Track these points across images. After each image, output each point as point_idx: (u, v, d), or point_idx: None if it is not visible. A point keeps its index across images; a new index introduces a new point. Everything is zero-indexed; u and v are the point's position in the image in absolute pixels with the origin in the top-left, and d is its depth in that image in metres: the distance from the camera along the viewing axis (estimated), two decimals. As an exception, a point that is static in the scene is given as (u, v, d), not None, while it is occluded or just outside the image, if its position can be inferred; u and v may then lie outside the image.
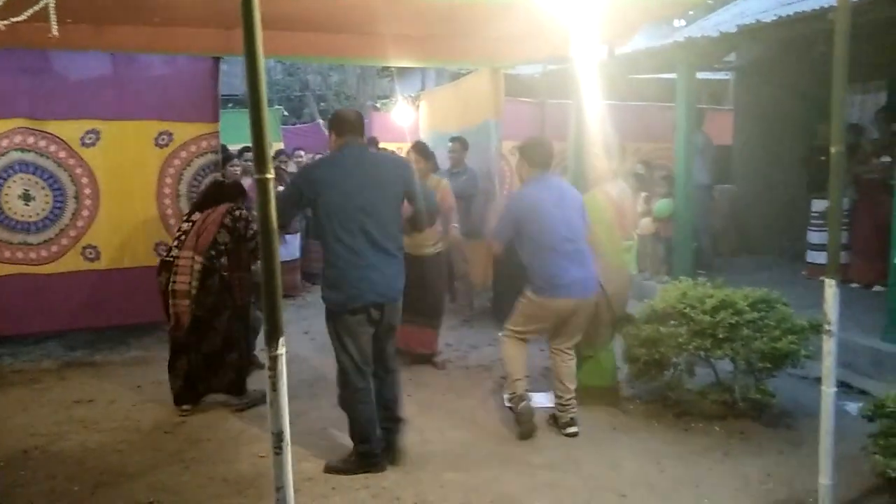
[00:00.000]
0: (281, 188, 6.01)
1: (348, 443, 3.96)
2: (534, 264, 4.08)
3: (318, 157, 9.27)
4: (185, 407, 4.46)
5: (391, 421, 3.77)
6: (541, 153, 4.20)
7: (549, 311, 4.08)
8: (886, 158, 6.19)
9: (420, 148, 5.71)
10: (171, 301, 4.35)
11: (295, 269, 7.96)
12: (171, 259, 4.43)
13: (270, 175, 1.92)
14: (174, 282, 4.34)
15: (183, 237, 4.44)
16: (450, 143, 6.95)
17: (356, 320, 3.52)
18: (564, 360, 4.24)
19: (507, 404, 4.32)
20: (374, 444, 3.63)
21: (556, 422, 4.23)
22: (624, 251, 4.56)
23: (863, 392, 4.64)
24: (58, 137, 5.53)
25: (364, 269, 3.49)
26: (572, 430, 4.13)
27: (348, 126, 3.65)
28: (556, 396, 4.24)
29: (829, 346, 2.99)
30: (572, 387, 4.21)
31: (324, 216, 3.49)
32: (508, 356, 4.25)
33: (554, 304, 4.05)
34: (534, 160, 4.19)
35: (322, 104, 20.68)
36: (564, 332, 4.20)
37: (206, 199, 4.68)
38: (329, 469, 3.63)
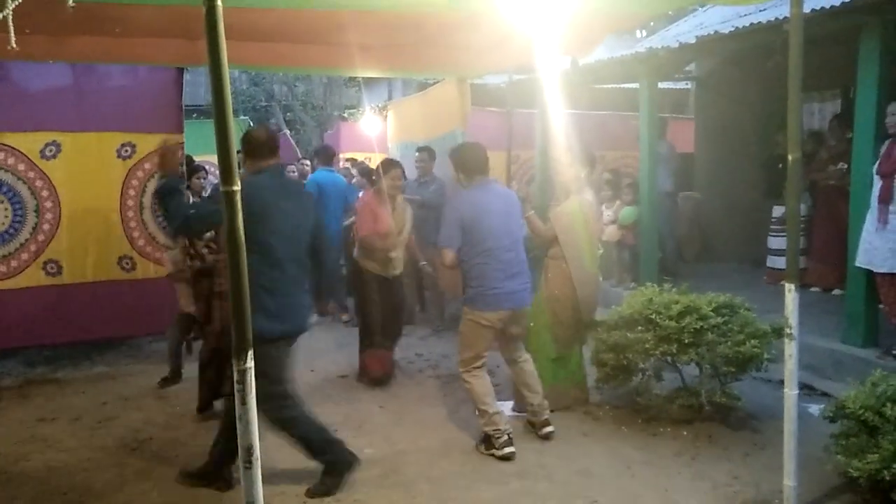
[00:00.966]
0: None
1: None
2: (471, 272, 4.03)
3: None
4: (206, 412, 4.52)
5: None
6: (476, 158, 4.17)
7: (486, 323, 4.01)
8: (843, 165, 6.36)
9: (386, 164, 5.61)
10: (219, 303, 4.33)
11: None
12: (208, 266, 4.43)
13: (237, 187, 1.92)
14: (220, 284, 4.29)
15: (213, 244, 4.46)
16: (417, 154, 6.97)
17: (285, 348, 3.51)
18: (523, 368, 4.26)
19: (493, 439, 3.98)
20: (336, 450, 3.57)
21: (533, 425, 4.26)
22: (595, 259, 4.63)
23: (825, 394, 4.75)
24: (17, 150, 5.42)
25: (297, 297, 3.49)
26: (548, 429, 4.17)
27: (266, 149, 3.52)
28: (528, 404, 4.26)
29: (790, 349, 3.06)
30: (539, 389, 4.24)
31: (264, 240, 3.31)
32: (476, 393, 4.06)
33: (489, 316, 4.00)
34: (470, 167, 4.15)
35: (288, 114, 20.55)
36: (506, 340, 4.22)
37: None
38: (312, 494, 3.50)
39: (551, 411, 4.29)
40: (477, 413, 4.09)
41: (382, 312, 5.29)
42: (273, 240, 3.33)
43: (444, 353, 6.03)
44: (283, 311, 3.37)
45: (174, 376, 5.20)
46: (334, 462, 3.56)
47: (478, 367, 4.09)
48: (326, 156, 8.25)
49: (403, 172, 5.64)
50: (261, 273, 3.19)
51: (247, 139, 3.55)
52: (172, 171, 3.69)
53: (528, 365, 4.28)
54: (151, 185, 5.78)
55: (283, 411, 3.45)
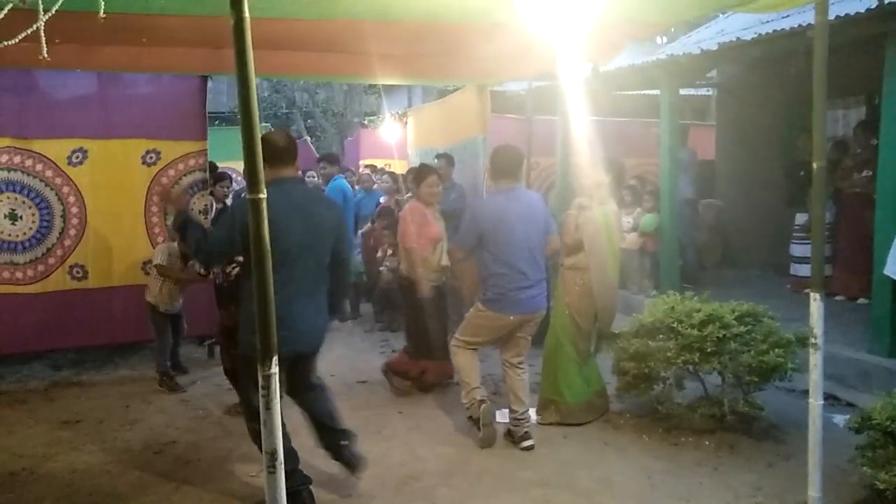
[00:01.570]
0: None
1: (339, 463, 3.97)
2: (489, 276, 4.12)
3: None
4: None
5: (333, 434, 3.59)
6: (509, 162, 4.21)
7: (496, 324, 4.16)
8: (868, 172, 6.28)
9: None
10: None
11: None
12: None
13: (263, 195, 1.94)
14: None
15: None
16: (435, 160, 6.99)
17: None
18: (517, 374, 4.29)
19: (467, 414, 4.34)
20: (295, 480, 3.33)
21: (512, 437, 4.24)
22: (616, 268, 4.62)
23: (850, 404, 4.69)
24: (44, 156, 5.52)
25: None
26: (528, 443, 4.15)
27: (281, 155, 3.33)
28: (511, 411, 4.27)
29: (815, 359, 3.03)
30: (526, 400, 4.27)
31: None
32: (461, 366, 4.29)
33: (501, 319, 4.13)
34: (501, 170, 4.21)
35: (309, 121, 20.69)
36: (512, 343, 4.27)
37: None
38: None
39: (580, 424, 4.33)
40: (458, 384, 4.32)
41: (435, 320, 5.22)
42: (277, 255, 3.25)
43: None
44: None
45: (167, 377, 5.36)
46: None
47: (471, 349, 4.28)
48: (337, 162, 8.36)
49: (439, 179, 5.61)
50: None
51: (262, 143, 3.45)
52: (182, 209, 3.93)
53: (523, 374, 4.33)
54: (175, 192, 5.86)
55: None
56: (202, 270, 5.22)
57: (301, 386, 3.54)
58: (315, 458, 4.00)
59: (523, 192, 4.32)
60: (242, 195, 3.43)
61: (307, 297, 3.34)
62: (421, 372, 5.24)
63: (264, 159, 3.38)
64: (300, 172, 4.66)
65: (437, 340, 5.15)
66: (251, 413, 3.24)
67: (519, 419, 4.22)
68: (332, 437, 3.59)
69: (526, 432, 4.20)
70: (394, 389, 5.22)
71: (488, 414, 4.15)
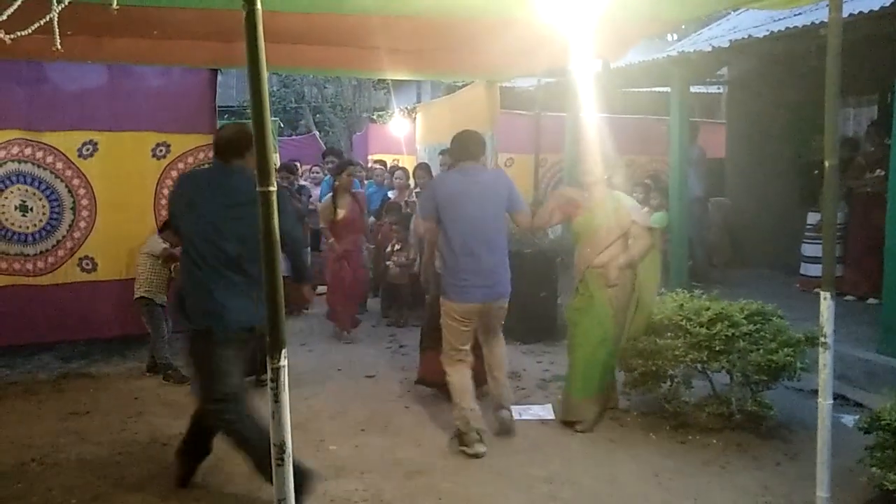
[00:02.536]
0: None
1: (346, 457, 3.98)
2: (445, 262, 4.12)
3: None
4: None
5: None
6: (468, 143, 4.18)
7: (460, 314, 4.05)
8: (880, 172, 6.24)
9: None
10: None
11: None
12: None
13: (273, 187, 1.94)
14: None
15: None
16: (440, 156, 6.98)
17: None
18: (493, 350, 4.29)
19: (461, 435, 4.02)
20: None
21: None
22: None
23: (859, 404, 4.66)
24: (55, 148, 5.55)
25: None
26: (504, 413, 4.23)
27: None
28: (490, 389, 4.32)
29: (824, 358, 3.01)
30: (503, 378, 4.30)
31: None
32: (451, 384, 4.12)
33: (461, 307, 4.03)
34: (461, 151, 4.19)
35: (318, 116, 20.74)
36: (486, 329, 4.23)
37: None
38: None
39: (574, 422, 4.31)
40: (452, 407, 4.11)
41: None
42: (193, 238, 3.31)
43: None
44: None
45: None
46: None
47: (459, 360, 4.12)
48: (342, 156, 8.43)
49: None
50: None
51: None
52: None
53: (499, 349, 4.30)
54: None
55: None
56: None
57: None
58: (322, 451, 4.02)
59: (481, 170, 4.21)
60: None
61: (230, 276, 3.29)
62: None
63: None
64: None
65: None
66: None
67: (495, 397, 4.28)
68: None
69: (501, 404, 4.27)
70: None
71: (480, 453, 3.94)
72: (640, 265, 4.36)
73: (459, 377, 4.10)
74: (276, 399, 1.98)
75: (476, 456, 3.92)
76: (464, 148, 4.18)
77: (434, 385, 4.80)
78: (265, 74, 1.92)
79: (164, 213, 5.86)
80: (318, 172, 9.09)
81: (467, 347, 4.16)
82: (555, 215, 4.56)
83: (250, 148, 3.22)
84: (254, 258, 3.09)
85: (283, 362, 1.97)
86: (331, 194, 6.57)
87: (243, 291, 3.28)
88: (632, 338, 4.40)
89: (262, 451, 2.88)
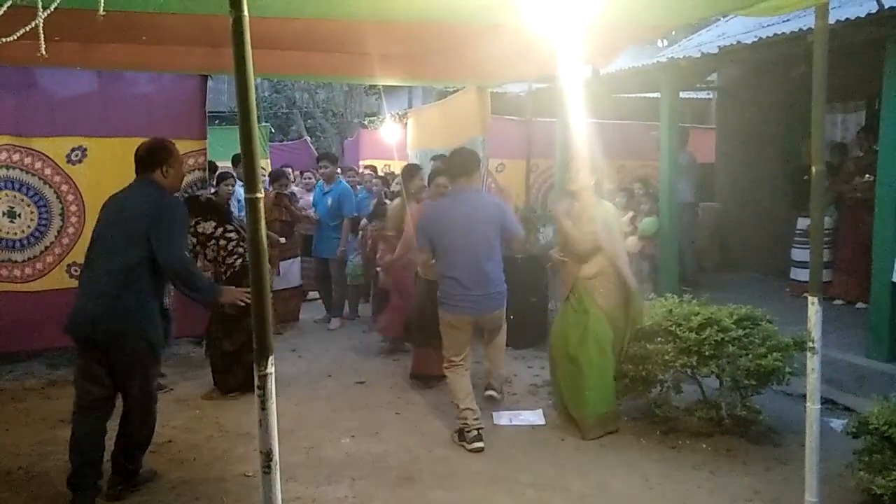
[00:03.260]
0: None
1: (336, 464, 3.97)
2: (442, 278, 4.32)
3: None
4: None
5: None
6: (464, 163, 4.35)
7: (457, 325, 4.30)
8: (869, 177, 6.28)
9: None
10: None
11: (295, 296, 7.57)
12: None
13: (261, 194, 1.94)
14: None
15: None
16: (431, 162, 6.98)
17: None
18: (493, 344, 4.58)
19: (464, 432, 4.19)
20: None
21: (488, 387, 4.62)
22: None
23: (847, 409, 4.69)
24: (43, 154, 5.52)
25: None
26: (491, 392, 4.58)
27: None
28: (488, 372, 4.65)
29: (812, 363, 3.02)
30: (499, 360, 4.66)
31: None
32: (451, 386, 4.36)
33: (455, 318, 4.28)
34: (457, 171, 4.37)
35: (309, 121, 20.73)
36: (486, 339, 4.55)
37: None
38: None
39: (602, 435, 4.31)
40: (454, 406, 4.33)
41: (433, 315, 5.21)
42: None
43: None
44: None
45: None
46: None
47: (457, 365, 4.34)
48: (336, 161, 8.45)
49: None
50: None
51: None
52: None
53: (498, 338, 4.56)
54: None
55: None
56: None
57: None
58: (311, 458, 4.01)
59: (472, 196, 4.36)
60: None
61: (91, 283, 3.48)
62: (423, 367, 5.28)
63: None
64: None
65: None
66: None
67: (493, 377, 4.61)
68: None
69: (490, 383, 4.58)
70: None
71: (478, 448, 4.11)
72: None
73: (459, 380, 4.32)
74: (264, 407, 1.97)
75: (474, 451, 4.11)
76: (463, 170, 4.35)
77: (426, 378, 5.20)
78: (252, 81, 1.91)
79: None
80: (309, 178, 9.08)
81: (465, 355, 4.37)
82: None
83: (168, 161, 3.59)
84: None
85: (270, 369, 1.96)
86: (399, 200, 6.18)
87: None
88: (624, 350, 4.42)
89: None
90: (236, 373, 5.02)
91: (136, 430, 3.54)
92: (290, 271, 7.41)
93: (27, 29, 2.09)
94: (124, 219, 3.46)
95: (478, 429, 4.16)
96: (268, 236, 6.38)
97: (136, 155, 3.58)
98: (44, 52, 2.22)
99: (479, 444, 4.12)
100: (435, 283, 5.09)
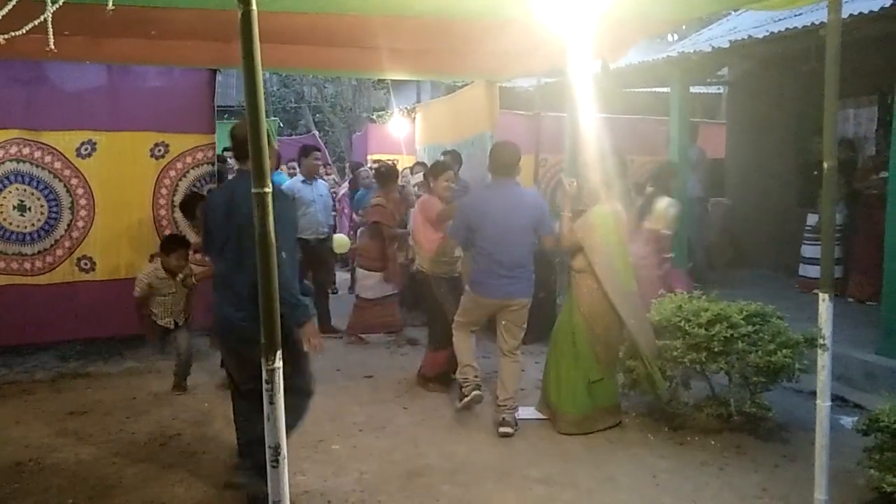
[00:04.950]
0: None
1: (344, 457, 3.98)
2: (475, 262, 4.44)
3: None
4: None
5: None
6: (506, 158, 4.41)
7: (478, 305, 4.46)
8: (884, 174, 6.23)
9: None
10: None
11: (394, 304, 6.65)
12: None
13: (269, 189, 1.93)
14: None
15: None
16: (442, 156, 6.96)
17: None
18: (508, 363, 4.47)
19: (462, 387, 4.51)
20: None
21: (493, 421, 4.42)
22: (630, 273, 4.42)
23: (858, 406, 4.66)
24: (53, 148, 5.54)
25: None
26: (505, 429, 4.28)
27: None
28: (496, 397, 4.45)
29: (823, 360, 3.00)
30: (511, 389, 4.41)
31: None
32: (455, 343, 4.59)
33: (480, 301, 4.43)
34: (498, 165, 4.42)
35: (317, 116, 20.73)
36: (503, 333, 4.46)
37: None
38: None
39: (585, 433, 4.29)
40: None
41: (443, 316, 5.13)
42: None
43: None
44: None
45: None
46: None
47: (465, 325, 4.57)
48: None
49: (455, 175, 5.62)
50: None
51: (232, 136, 3.35)
52: None
53: (514, 365, 4.48)
54: (183, 185, 5.88)
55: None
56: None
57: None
58: (320, 452, 4.02)
59: (514, 189, 4.44)
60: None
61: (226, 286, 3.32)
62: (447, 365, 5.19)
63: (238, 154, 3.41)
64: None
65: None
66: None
67: (500, 405, 4.37)
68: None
69: (504, 419, 4.31)
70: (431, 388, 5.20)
71: (475, 397, 4.41)
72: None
73: (464, 338, 4.57)
74: (272, 401, 1.97)
75: (473, 400, 4.38)
76: (504, 165, 4.41)
77: (433, 380, 5.18)
78: (261, 75, 1.91)
79: (162, 212, 5.86)
80: (293, 170, 9.12)
81: (475, 323, 4.61)
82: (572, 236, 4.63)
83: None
84: None
85: (278, 364, 1.97)
86: (380, 197, 6.33)
87: None
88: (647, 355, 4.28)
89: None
90: None
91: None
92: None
93: (35, 23, 2.10)
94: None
95: (476, 384, 4.40)
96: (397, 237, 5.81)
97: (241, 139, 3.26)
98: (52, 47, 2.23)
99: (478, 393, 4.38)
100: (451, 280, 5.19)
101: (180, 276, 5.05)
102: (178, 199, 5.86)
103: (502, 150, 4.45)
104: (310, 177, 6.78)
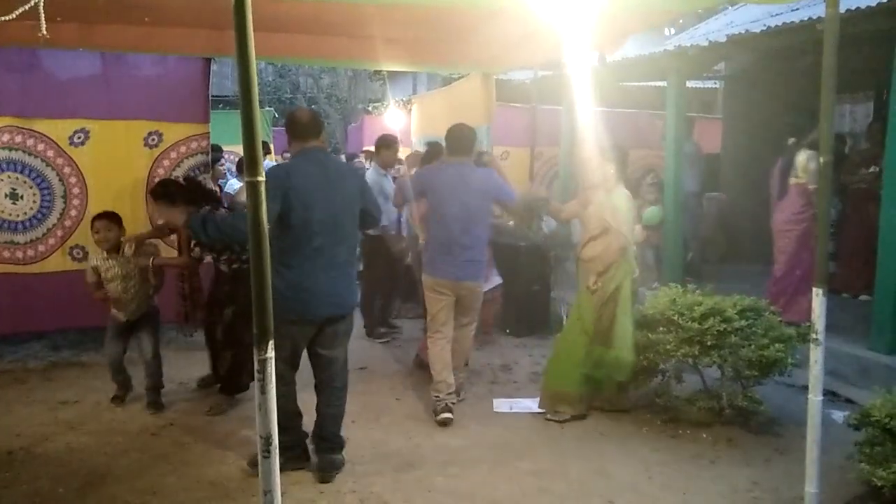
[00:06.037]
0: None
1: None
2: (428, 243, 4.55)
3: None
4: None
5: (319, 438, 3.69)
6: (461, 139, 4.53)
7: (437, 289, 4.44)
8: (875, 168, 6.25)
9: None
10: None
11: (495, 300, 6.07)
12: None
13: (262, 178, 1.92)
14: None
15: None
16: (425, 146, 6.93)
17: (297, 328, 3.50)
18: (462, 335, 4.60)
19: (434, 405, 4.41)
20: (291, 435, 3.54)
21: (435, 407, 4.43)
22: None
23: (849, 401, 4.68)
24: (46, 136, 5.49)
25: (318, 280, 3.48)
26: (445, 416, 4.33)
27: (301, 129, 3.59)
28: (441, 379, 4.45)
29: (815, 354, 3.00)
30: (459, 359, 4.59)
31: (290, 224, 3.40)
32: (431, 356, 4.51)
33: (436, 282, 4.44)
34: (453, 146, 4.54)
35: (313, 107, 20.65)
36: (461, 309, 4.54)
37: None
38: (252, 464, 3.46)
39: (576, 417, 4.31)
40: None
41: None
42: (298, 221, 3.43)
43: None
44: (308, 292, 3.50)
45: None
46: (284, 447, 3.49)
47: (440, 335, 4.48)
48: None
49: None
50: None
51: (289, 120, 3.65)
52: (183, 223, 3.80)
53: (466, 338, 4.63)
54: (178, 174, 5.83)
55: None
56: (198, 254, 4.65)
57: (325, 365, 3.69)
58: (311, 443, 4.01)
59: (467, 169, 4.53)
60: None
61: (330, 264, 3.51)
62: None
63: (294, 134, 3.56)
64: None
65: None
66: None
67: (438, 388, 4.44)
68: (318, 439, 3.71)
69: (446, 405, 4.35)
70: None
71: (444, 420, 4.31)
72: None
73: (439, 351, 4.48)
74: (263, 391, 1.96)
75: (442, 422, 4.28)
76: (459, 146, 4.52)
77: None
78: (254, 63, 1.89)
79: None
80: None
81: (446, 325, 4.50)
82: (568, 214, 4.84)
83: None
84: None
85: (270, 353, 1.96)
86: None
87: None
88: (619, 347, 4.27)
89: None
90: (220, 366, 4.69)
91: None
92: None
93: (26, 7, 2.08)
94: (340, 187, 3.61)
95: (448, 402, 4.34)
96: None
97: (303, 121, 3.63)
98: (45, 33, 2.20)
99: (447, 415, 4.30)
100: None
101: (125, 249, 4.51)
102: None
103: (458, 131, 4.55)
104: (387, 168, 6.62)
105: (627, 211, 4.40)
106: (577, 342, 4.42)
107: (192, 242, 4.50)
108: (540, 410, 4.52)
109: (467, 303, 4.54)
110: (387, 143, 6.61)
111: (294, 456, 3.60)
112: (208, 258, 4.67)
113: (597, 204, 4.39)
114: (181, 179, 5.53)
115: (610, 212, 4.32)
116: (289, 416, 3.53)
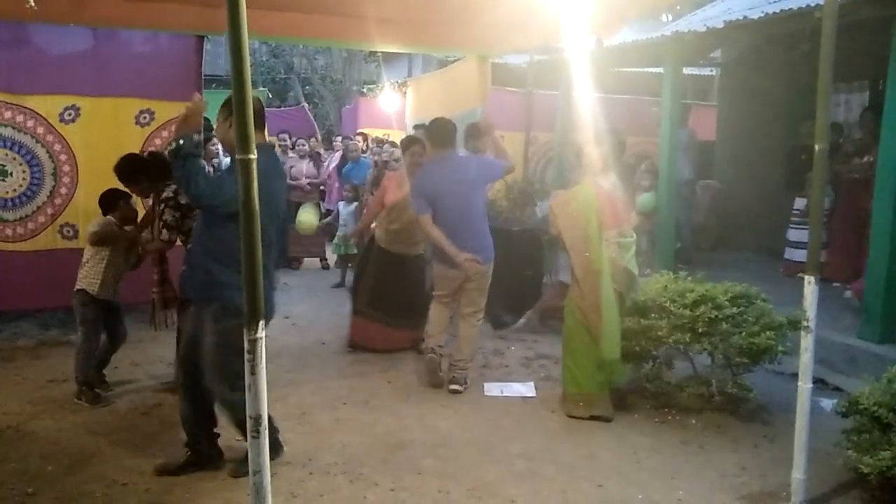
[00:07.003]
0: None
1: (327, 430, 3.98)
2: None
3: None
4: None
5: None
6: (443, 132, 4.66)
7: (446, 276, 4.64)
8: (868, 158, 6.24)
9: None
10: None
11: None
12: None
13: (253, 156, 1.90)
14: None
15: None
16: (414, 130, 6.90)
17: None
18: (466, 328, 4.72)
19: (421, 353, 4.89)
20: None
21: (446, 375, 4.69)
22: (624, 249, 4.19)
23: (837, 389, 4.71)
24: (36, 112, 5.43)
25: None
26: (454, 387, 4.57)
27: None
28: (451, 356, 4.71)
29: (806, 342, 3.02)
30: (467, 351, 4.68)
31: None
32: (431, 315, 4.80)
33: (447, 272, 4.62)
34: (436, 139, 4.67)
35: (307, 88, 20.52)
36: (465, 296, 4.69)
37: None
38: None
39: (591, 418, 4.20)
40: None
41: (404, 290, 5.32)
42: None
43: (454, 332, 6.01)
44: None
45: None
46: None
47: (443, 299, 4.75)
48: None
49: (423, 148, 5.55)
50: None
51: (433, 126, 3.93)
52: (194, 132, 3.45)
53: (472, 330, 4.73)
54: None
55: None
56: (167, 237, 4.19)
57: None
58: (302, 423, 4.01)
59: (454, 158, 4.72)
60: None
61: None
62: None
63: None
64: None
65: (406, 308, 5.35)
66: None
67: (454, 364, 4.65)
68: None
69: (454, 377, 4.60)
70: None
71: (431, 364, 4.68)
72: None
73: (438, 312, 4.77)
74: (253, 371, 1.95)
75: (427, 363, 4.66)
76: (442, 138, 4.66)
77: (365, 348, 5.40)
78: (246, 40, 1.86)
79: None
80: (303, 145, 9.04)
81: (451, 295, 4.74)
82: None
83: None
84: None
85: (260, 334, 1.95)
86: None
87: None
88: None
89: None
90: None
91: None
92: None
93: (14, -22, 2.04)
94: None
95: (432, 348, 4.68)
96: None
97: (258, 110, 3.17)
98: (32, 4, 2.16)
99: (431, 356, 4.66)
100: (390, 253, 5.37)
101: (129, 228, 4.44)
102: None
103: (440, 124, 4.69)
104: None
105: (595, 204, 4.23)
106: (587, 343, 4.22)
107: (161, 225, 4.15)
108: (531, 395, 4.54)
109: (474, 286, 4.64)
110: (477, 133, 6.34)
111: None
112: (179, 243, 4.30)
113: (561, 201, 4.38)
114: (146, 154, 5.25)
115: (560, 204, 4.35)
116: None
